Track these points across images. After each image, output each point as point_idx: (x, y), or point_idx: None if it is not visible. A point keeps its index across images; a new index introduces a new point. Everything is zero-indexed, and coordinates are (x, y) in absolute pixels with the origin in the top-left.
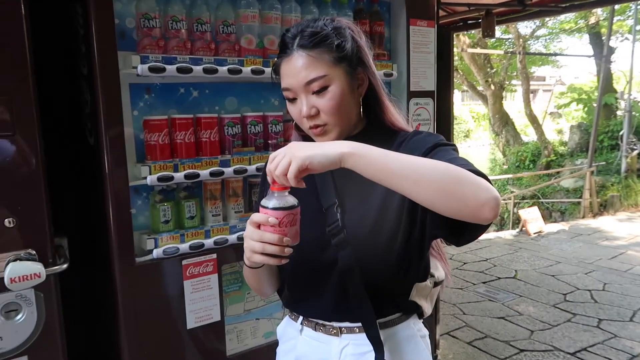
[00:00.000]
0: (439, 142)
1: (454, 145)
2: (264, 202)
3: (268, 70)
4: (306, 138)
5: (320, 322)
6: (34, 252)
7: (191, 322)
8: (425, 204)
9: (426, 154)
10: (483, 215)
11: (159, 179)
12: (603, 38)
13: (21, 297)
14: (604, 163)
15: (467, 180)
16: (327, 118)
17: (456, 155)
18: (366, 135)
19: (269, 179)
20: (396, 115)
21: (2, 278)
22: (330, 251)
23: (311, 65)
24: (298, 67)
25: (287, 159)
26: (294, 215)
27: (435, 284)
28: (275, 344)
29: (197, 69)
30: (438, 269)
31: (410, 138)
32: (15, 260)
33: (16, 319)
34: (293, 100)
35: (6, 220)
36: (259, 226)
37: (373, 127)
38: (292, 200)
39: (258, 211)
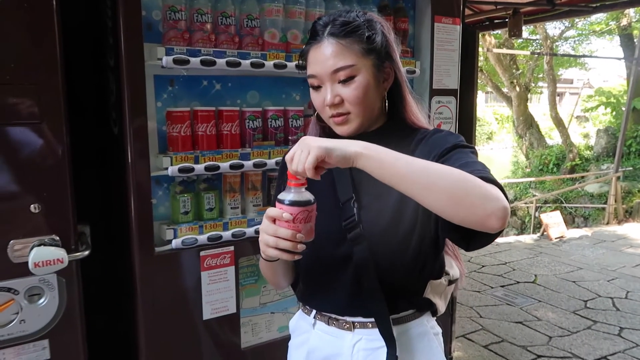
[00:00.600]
0: (458, 143)
1: (474, 147)
2: (280, 196)
3: (290, 64)
4: (325, 130)
5: (334, 316)
6: (58, 238)
7: (207, 313)
8: (434, 210)
9: (444, 154)
10: (490, 224)
11: (180, 170)
12: (635, 40)
13: (44, 282)
14: (631, 168)
15: (476, 188)
16: (351, 107)
17: (475, 158)
18: (386, 130)
19: (289, 171)
20: (417, 113)
21: (27, 262)
22: (345, 246)
23: (340, 54)
24: (327, 55)
25: (306, 151)
26: (309, 212)
27: (450, 282)
28: (289, 337)
29: (221, 61)
30: (453, 267)
31: (430, 136)
32: (39, 245)
33: (39, 302)
34: (317, 88)
35: (32, 206)
36: (274, 220)
37: (393, 123)
38: (308, 196)
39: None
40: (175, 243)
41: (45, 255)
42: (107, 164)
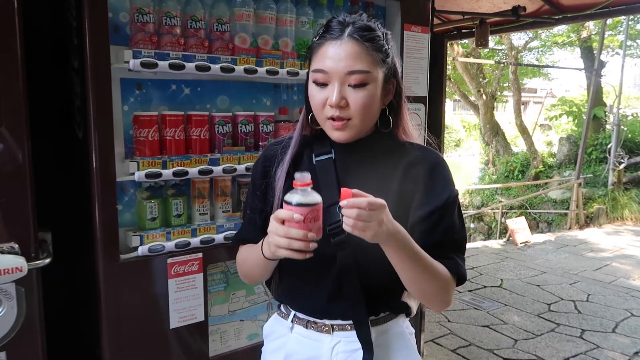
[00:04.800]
0: (446, 202)
1: (458, 193)
2: (287, 197)
3: (261, 69)
4: (313, 132)
5: (312, 319)
6: (17, 245)
7: (174, 322)
8: (405, 285)
9: (434, 212)
10: (430, 309)
11: (147, 176)
12: (594, 52)
13: (2, 291)
14: (591, 175)
15: (440, 296)
16: (354, 114)
17: (456, 221)
18: (374, 140)
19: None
20: (410, 130)
21: None
22: (329, 248)
23: (360, 57)
24: (347, 53)
25: (363, 225)
26: (317, 211)
27: None
28: (259, 345)
29: (190, 65)
30: None
31: (424, 158)
32: None
33: None
34: (323, 85)
35: None
36: (283, 222)
37: (382, 135)
38: (315, 195)
39: (251, 209)
40: (142, 250)
41: (2, 264)
42: (71, 168)
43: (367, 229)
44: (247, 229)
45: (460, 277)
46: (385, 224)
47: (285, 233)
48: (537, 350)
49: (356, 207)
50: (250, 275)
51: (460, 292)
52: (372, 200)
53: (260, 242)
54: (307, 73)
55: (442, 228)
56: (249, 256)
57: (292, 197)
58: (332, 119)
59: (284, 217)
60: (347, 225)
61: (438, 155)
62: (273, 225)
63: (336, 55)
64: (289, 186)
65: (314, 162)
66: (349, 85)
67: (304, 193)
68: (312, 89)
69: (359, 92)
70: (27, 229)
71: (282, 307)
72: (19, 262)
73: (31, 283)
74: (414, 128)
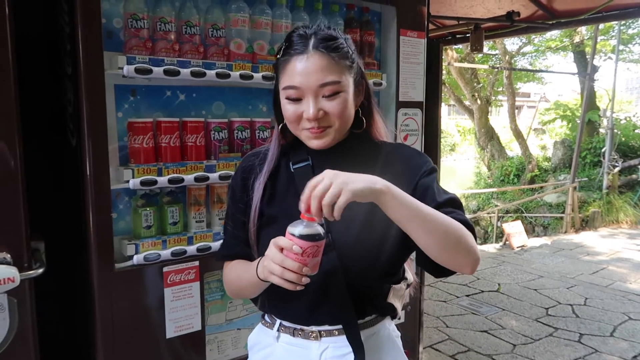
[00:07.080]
0: (424, 171)
1: (435, 168)
2: (291, 227)
3: (257, 75)
4: (289, 143)
5: (299, 327)
6: (9, 256)
7: (170, 332)
8: (423, 248)
9: (418, 186)
10: (464, 271)
11: (142, 183)
12: (587, 57)
13: None
14: (586, 179)
15: (464, 243)
16: (333, 121)
17: (440, 187)
18: (350, 144)
19: (302, 206)
20: (382, 128)
21: None
22: None
23: (329, 68)
24: (315, 67)
25: (337, 189)
26: (318, 247)
27: (407, 286)
28: None
29: (185, 71)
30: (407, 272)
31: (396, 152)
32: None
33: None
34: (296, 100)
35: None
36: (282, 249)
37: (357, 137)
38: (319, 230)
39: (233, 224)
40: (137, 259)
41: None
42: (64, 176)
43: (335, 197)
44: (230, 244)
45: (469, 227)
46: (352, 182)
47: (281, 262)
48: (535, 355)
49: (310, 199)
50: (242, 293)
51: (457, 297)
52: (309, 183)
53: (255, 262)
54: (276, 87)
55: (431, 197)
56: (241, 275)
57: (296, 227)
58: (312, 129)
59: (283, 245)
60: (326, 211)
61: (409, 147)
62: (271, 251)
63: (305, 70)
64: (267, 198)
65: (292, 170)
66: (322, 97)
67: (308, 226)
68: (286, 104)
69: (334, 101)
70: (20, 239)
71: (266, 317)
72: (11, 272)
73: (24, 294)
74: (384, 127)
